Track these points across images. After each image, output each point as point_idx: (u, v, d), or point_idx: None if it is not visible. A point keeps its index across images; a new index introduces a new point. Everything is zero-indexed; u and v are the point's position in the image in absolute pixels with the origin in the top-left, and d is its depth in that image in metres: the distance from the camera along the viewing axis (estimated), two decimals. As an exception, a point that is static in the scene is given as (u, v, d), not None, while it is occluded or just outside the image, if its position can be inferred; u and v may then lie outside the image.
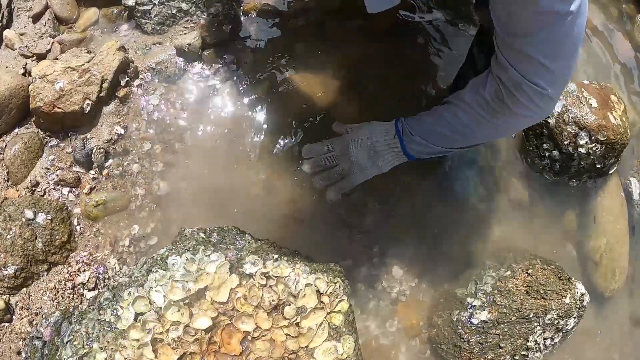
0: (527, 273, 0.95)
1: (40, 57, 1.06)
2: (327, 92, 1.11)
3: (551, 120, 1.07)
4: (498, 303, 0.93)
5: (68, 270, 0.92)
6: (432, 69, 1.17)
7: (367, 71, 1.14)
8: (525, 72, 0.66)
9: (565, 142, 1.06)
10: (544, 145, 1.09)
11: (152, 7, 1.11)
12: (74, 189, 0.98)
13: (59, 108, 0.96)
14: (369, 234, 1.04)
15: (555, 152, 1.08)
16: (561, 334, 0.98)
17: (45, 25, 1.10)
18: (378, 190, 1.05)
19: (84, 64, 0.99)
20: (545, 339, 0.96)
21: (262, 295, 0.76)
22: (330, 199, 0.99)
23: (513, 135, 1.14)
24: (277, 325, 0.75)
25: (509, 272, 0.96)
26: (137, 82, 1.07)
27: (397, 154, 0.92)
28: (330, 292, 0.79)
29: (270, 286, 0.78)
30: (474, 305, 0.93)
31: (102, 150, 0.99)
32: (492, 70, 0.74)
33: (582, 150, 1.06)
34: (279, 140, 1.05)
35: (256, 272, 0.79)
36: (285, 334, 0.75)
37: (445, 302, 0.99)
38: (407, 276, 1.01)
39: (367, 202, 1.05)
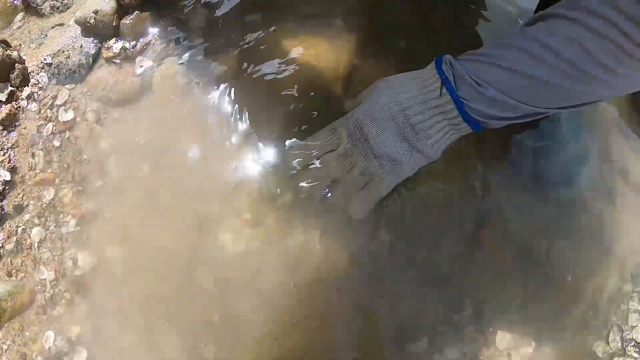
0: None
1: None
2: (331, 62, 0.64)
3: None
4: None
5: None
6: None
7: (385, 19, 0.65)
8: None
9: None
10: None
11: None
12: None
13: None
14: (445, 284, 0.59)
15: None
16: None
17: None
18: (431, 196, 0.58)
19: None
20: None
21: None
22: (354, 216, 0.56)
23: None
24: None
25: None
26: (26, 91, 0.65)
27: (451, 123, 0.49)
28: None
29: None
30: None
31: (-22, 215, 0.59)
32: None
33: None
34: (265, 157, 0.59)
35: None
36: None
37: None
38: (518, 341, 0.61)
39: (419, 218, 0.57)
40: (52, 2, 0.73)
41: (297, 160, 0.55)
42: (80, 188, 0.60)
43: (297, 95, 0.61)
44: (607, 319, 0.64)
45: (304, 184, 0.55)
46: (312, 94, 0.61)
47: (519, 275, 0.63)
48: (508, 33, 0.46)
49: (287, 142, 0.57)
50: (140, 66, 0.63)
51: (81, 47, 0.66)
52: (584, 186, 0.67)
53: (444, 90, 0.47)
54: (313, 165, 0.55)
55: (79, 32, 0.67)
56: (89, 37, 0.67)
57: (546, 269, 0.64)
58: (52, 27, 0.71)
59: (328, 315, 0.57)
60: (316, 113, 0.60)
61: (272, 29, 0.65)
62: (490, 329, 0.61)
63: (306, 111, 0.61)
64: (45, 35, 0.70)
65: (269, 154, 0.58)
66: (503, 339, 0.61)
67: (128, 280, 0.57)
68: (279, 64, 0.63)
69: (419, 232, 0.62)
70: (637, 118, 0.71)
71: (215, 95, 0.61)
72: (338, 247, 0.58)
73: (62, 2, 0.73)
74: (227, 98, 0.61)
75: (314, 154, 0.55)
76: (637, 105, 0.71)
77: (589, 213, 0.66)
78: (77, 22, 0.67)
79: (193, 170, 0.57)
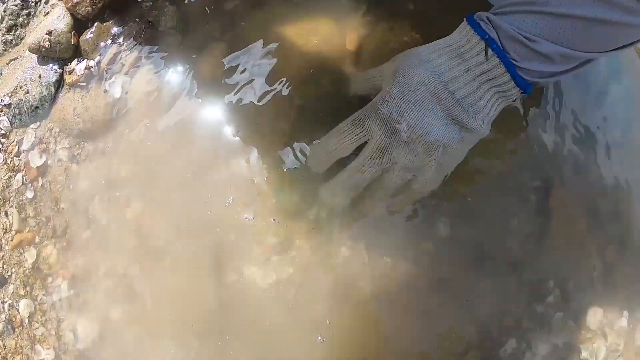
0: None
1: None
2: (336, 38, 0.53)
3: None
4: None
5: None
6: None
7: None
8: None
9: None
10: None
11: (-28, -1, 0.60)
12: None
13: None
14: (522, 270, 0.50)
15: None
16: None
17: None
18: (483, 173, 0.49)
19: None
20: None
21: None
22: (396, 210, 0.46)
23: None
24: None
25: None
26: (-14, 142, 0.55)
27: (501, 90, 0.41)
28: None
29: None
30: None
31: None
32: None
33: None
34: (276, 168, 0.48)
35: None
36: None
37: None
38: (609, 316, 0.54)
39: (477, 201, 0.48)
40: (3, 38, 0.63)
41: (318, 165, 0.44)
42: (64, 243, 0.50)
43: (302, 86, 0.50)
44: None
45: (331, 196, 0.44)
46: (321, 81, 0.50)
47: (595, 240, 0.56)
48: None
49: (312, 145, 0.45)
50: (110, 85, 0.52)
51: (40, 77, 0.56)
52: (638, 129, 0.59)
53: (490, 52, 0.39)
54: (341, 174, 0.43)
55: (36, 60, 0.57)
56: (47, 64, 0.56)
57: (619, 227, 0.57)
58: (7, 64, 0.61)
59: (395, 338, 0.46)
60: (330, 104, 0.48)
61: (257, 14, 0.54)
62: (579, 310, 0.54)
63: (318, 104, 0.49)
64: (0, 74, 0.60)
65: (281, 161, 0.47)
66: (594, 317, 0.53)
67: (142, 345, 0.46)
68: (271, 54, 0.51)
69: (480, 216, 0.51)
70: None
71: (202, 104, 0.50)
72: (390, 256, 0.46)
73: (14, 34, 0.63)
74: (216, 106, 0.50)
75: (334, 152, 0.43)
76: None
77: None
78: (30, 49, 0.56)
79: (192, 198, 0.46)
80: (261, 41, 0.51)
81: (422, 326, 0.47)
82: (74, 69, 0.55)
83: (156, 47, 0.53)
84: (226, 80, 0.50)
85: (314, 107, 0.49)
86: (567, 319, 0.53)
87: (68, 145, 0.52)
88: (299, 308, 0.44)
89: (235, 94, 0.48)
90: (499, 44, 0.39)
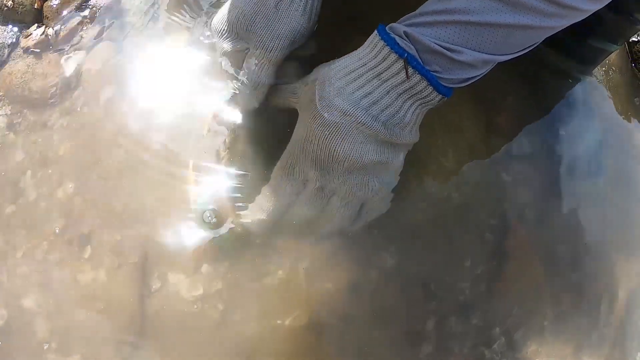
0: None
1: None
2: None
3: None
4: None
5: None
6: None
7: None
8: None
9: None
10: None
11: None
12: None
13: None
14: (469, 313, 0.48)
15: None
16: None
17: None
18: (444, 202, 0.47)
19: None
20: None
21: None
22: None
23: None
24: None
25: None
26: None
27: (424, 101, 0.40)
28: None
29: None
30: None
31: None
32: None
33: None
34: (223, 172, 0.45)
35: None
36: None
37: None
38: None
39: (430, 231, 0.47)
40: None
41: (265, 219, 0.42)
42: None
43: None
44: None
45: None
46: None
47: (550, 288, 0.54)
48: None
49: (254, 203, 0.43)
50: (65, 56, 0.49)
51: (-7, 39, 0.52)
52: (607, 180, 0.59)
53: (411, 70, 0.38)
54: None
55: (-9, 21, 0.54)
56: (6, 24, 0.53)
57: (577, 276, 0.55)
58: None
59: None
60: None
61: None
62: (527, 357, 0.51)
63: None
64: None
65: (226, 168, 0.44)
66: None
67: (50, 345, 0.42)
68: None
69: (431, 250, 0.49)
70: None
71: (163, 88, 0.47)
72: (331, 282, 0.43)
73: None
74: (172, 96, 0.47)
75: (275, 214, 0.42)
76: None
77: (615, 209, 0.57)
78: (-13, 7, 0.53)
79: (128, 188, 0.43)
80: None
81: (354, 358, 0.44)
82: (31, 34, 0.51)
83: (119, 25, 0.50)
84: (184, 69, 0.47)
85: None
86: (514, 367, 0.50)
87: (9, 112, 0.49)
88: (224, 328, 0.41)
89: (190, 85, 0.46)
90: (419, 59, 0.38)
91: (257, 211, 0.42)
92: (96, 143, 0.45)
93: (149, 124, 0.46)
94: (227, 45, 0.43)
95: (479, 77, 0.40)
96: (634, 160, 0.61)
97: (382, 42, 0.38)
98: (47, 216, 0.44)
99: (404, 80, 0.38)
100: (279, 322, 0.42)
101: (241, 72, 0.43)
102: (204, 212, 0.42)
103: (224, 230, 0.42)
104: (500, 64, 0.40)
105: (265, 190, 0.42)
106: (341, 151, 0.39)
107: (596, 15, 0.40)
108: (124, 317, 0.42)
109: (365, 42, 0.40)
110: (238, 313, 0.41)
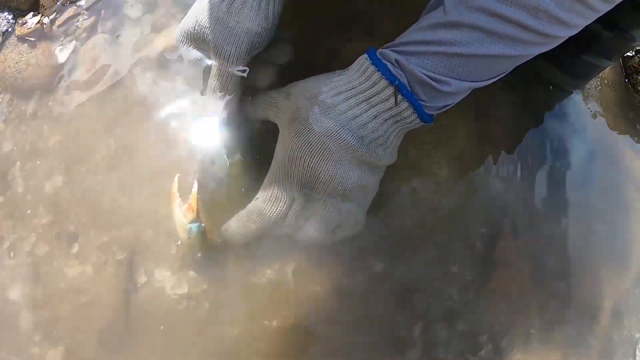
0: None
1: None
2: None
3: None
4: None
5: None
6: None
7: None
8: None
9: None
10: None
11: None
12: None
13: None
14: (456, 320, 0.48)
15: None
16: None
17: None
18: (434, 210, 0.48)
19: None
20: None
21: None
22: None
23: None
24: None
25: None
26: None
27: (407, 127, 0.41)
28: None
29: None
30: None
31: None
32: None
33: None
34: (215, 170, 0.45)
35: None
36: None
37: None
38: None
39: (419, 239, 0.47)
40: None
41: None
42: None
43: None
44: (631, 335, 0.56)
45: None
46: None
47: (537, 296, 0.54)
48: (447, 4, 0.37)
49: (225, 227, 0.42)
50: (59, 47, 0.49)
51: (-15, 25, 0.51)
52: (596, 193, 0.60)
53: (400, 97, 0.39)
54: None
55: (-14, 6, 0.53)
56: (2, 11, 0.52)
57: (564, 286, 0.56)
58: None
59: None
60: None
61: None
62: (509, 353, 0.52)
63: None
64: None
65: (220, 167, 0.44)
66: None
67: (32, 338, 0.42)
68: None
69: (420, 256, 0.49)
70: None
71: (154, 83, 0.47)
72: (317, 285, 0.43)
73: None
74: (164, 92, 0.46)
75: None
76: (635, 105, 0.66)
77: (602, 221, 0.58)
78: (-18, -8, 0.52)
79: (117, 183, 0.43)
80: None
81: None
82: (26, 22, 0.51)
83: (115, 16, 0.49)
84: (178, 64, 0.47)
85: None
86: (500, 374, 0.50)
87: (0, 101, 0.48)
88: (209, 327, 0.40)
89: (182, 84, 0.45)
90: (409, 88, 0.38)
91: (241, 230, 0.41)
92: (86, 136, 0.45)
93: (141, 117, 0.45)
94: (190, 55, 0.42)
95: (455, 104, 0.41)
96: (623, 174, 0.62)
97: (372, 67, 0.39)
98: (35, 209, 0.44)
99: (392, 107, 0.39)
100: (265, 322, 0.42)
101: (209, 82, 0.42)
102: (190, 228, 0.41)
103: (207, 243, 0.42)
104: None
105: (250, 212, 0.41)
106: (326, 172, 0.39)
107: (592, 32, 0.41)
108: (109, 310, 0.42)
109: (354, 64, 0.40)
110: (224, 311, 0.41)
